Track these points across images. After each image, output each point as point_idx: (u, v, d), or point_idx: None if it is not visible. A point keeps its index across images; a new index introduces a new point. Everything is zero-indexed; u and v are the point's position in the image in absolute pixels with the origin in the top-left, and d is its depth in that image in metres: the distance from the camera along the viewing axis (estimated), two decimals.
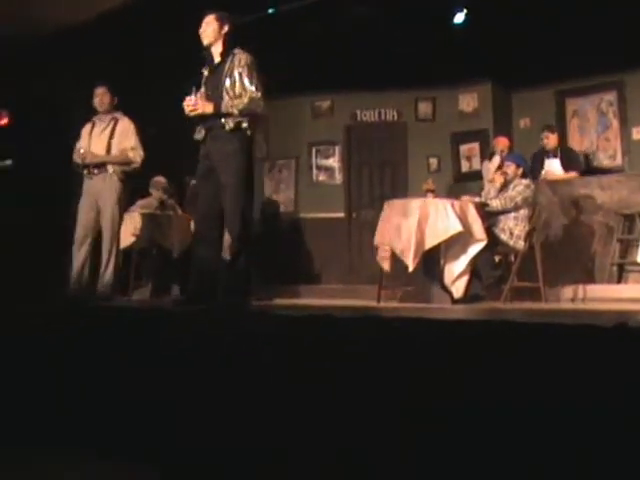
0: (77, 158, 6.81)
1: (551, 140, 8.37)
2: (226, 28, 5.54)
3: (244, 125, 5.32)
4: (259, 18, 8.50)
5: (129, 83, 7.59)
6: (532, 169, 8.03)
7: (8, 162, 9.40)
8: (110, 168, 6.78)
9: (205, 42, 5.57)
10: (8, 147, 9.20)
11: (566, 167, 8.24)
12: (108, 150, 6.80)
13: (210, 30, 5.54)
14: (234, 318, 3.73)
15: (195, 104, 5.34)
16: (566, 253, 7.49)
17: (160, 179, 8.74)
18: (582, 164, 8.62)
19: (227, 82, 5.38)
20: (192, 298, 5.34)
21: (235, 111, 5.28)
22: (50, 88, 8.35)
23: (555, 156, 8.33)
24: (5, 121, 9.94)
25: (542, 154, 8.44)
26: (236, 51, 5.47)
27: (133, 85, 7.90)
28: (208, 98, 5.39)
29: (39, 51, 8.58)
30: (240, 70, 5.37)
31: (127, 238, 7.88)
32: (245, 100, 5.30)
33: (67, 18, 8.26)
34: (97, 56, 8.26)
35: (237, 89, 5.35)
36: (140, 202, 8.54)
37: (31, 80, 8.65)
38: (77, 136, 6.97)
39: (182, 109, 5.42)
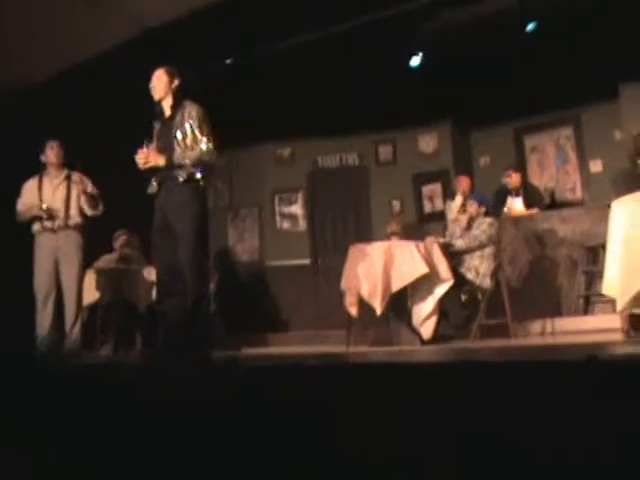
0: (37, 212, 6.65)
1: (514, 179, 8.45)
2: (176, 82, 5.59)
3: (197, 176, 5.33)
4: (220, 67, 8.55)
5: (86, 138, 7.57)
6: (494, 207, 8.10)
7: None
8: (72, 222, 6.72)
9: (156, 97, 5.60)
10: None
11: (528, 205, 8.31)
12: (67, 205, 6.72)
13: (160, 85, 5.59)
14: (199, 370, 3.68)
15: (147, 157, 5.36)
16: (532, 288, 7.53)
17: (123, 233, 8.68)
18: (544, 201, 8.70)
19: (178, 134, 5.41)
20: (161, 352, 5.29)
21: (187, 162, 5.30)
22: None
23: (517, 195, 8.40)
24: None
25: (504, 192, 8.51)
26: (186, 103, 5.51)
27: (91, 139, 7.88)
28: (160, 151, 5.40)
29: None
30: (191, 122, 5.40)
31: (91, 294, 7.82)
32: (197, 151, 5.32)
33: (29, 74, 8.26)
34: (50, 112, 8.24)
35: (188, 141, 5.37)
36: (104, 257, 8.48)
37: None
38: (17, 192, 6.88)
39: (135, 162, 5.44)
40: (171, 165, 5.34)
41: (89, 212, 6.78)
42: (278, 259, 10.35)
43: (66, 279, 6.68)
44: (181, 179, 5.33)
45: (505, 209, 8.35)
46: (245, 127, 9.41)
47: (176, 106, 5.54)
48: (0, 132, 8.12)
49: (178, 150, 5.35)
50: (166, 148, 5.41)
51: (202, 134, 5.38)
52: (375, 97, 8.78)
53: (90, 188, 6.80)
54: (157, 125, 5.66)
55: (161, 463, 3.02)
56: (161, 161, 5.35)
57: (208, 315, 5.46)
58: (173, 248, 5.37)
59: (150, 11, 7.36)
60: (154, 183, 5.49)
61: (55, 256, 6.66)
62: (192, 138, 5.38)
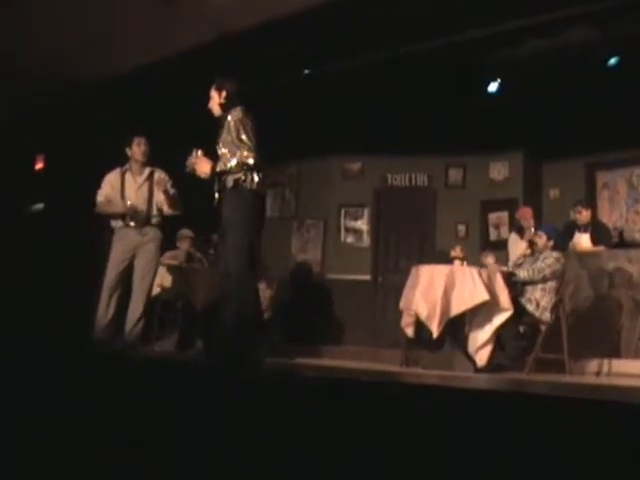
0: (123, 211, 6.69)
1: (584, 216, 8.33)
2: (224, 94, 5.71)
3: (242, 181, 5.40)
4: (293, 80, 8.63)
5: (159, 135, 7.70)
6: (561, 240, 8.03)
7: (40, 205, 9.52)
8: (154, 220, 6.79)
9: (215, 115, 5.76)
10: (42, 191, 9.31)
11: (595, 242, 8.20)
12: (149, 204, 6.77)
13: (213, 104, 5.78)
14: (243, 374, 3.72)
15: (192, 164, 5.49)
16: (592, 326, 7.40)
17: (187, 232, 8.79)
18: (612, 240, 8.56)
19: (221, 144, 5.55)
20: (213, 353, 5.37)
21: (227, 168, 5.40)
22: (85, 135, 8.48)
23: (586, 231, 8.29)
24: (40, 165, 10.10)
25: (573, 227, 8.41)
26: (231, 112, 5.62)
27: (162, 137, 8.03)
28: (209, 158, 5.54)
29: (79, 99, 8.75)
30: (231, 128, 5.50)
31: (153, 289, 7.94)
32: (236, 158, 5.40)
33: (109, 70, 8.45)
34: (134, 107, 8.41)
35: (230, 146, 5.47)
36: (168, 253, 8.58)
37: (68, 126, 8.79)
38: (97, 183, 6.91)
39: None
40: (217, 173, 5.45)
41: (167, 211, 6.80)
42: (339, 272, 10.36)
43: (140, 274, 6.72)
44: (229, 185, 5.43)
45: (571, 244, 8.25)
46: (316, 139, 9.48)
47: (223, 116, 5.67)
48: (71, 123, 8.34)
49: (222, 158, 5.48)
50: (216, 156, 5.56)
51: (240, 140, 5.47)
52: (449, 119, 8.77)
53: (170, 188, 6.79)
54: None
55: (203, 464, 3.06)
56: (206, 168, 5.47)
57: (257, 322, 5.49)
58: (227, 254, 5.48)
59: (228, 16, 7.48)
60: (216, 192, 5.60)
61: (133, 253, 6.71)
62: (232, 144, 5.48)
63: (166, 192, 6.69)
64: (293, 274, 10.54)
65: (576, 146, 9.18)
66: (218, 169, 5.44)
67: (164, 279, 8.15)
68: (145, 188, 6.82)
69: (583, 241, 8.24)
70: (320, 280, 10.48)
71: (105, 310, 6.62)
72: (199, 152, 5.56)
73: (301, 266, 10.72)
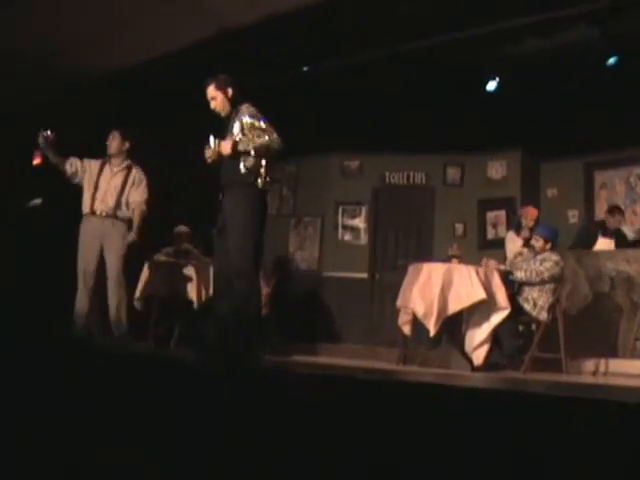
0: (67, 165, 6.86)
1: (617, 220, 8.27)
2: (230, 91, 5.64)
3: (259, 168, 5.36)
4: (293, 77, 8.62)
5: (156, 131, 7.68)
6: (579, 242, 8.02)
7: (38, 201, 9.50)
8: (120, 214, 6.80)
9: (222, 115, 5.67)
10: (40, 186, 9.29)
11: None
12: (119, 197, 6.81)
13: (218, 103, 5.65)
14: (242, 372, 3.71)
15: (214, 151, 5.40)
16: (589, 325, 7.39)
17: (183, 229, 8.76)
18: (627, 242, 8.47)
19: (236, 128, 5.46)
20: (208, 349, 5.34)
21: (250, 147, 5.33)
22: (83, 131, 8.47)
23: (612, 236, 8.19)
24: (38, 161, 10.08)
25: (599, 228, 8.37)
26: (239, 108, 5.56)
27: (160, 133, 8.00)
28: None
29: (75, 96, 8.73)
30: (247, 115, 5.45)
31: (148, 286, 7.91)
32: (264, 138, 5.34)
33: (109, 66, 8.44)
34: (128, 104, 8.40)
35: (250, 129, 5.39)
36: (164, 250, 8.58)
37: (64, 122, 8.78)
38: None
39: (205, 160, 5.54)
40: (236, 154, 5.37)
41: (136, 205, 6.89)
42: (336, 270, 10.35)
43: (110, 266, 6.76)
44: (242, 171, 5.36)
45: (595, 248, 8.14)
46: (315, 136, 9.45)
47: (233, 111, 5.61)
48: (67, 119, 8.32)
49: (243, 138, 5.39)
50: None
51: (258, 127, 5.40)
52: (448, 118, 8.76)
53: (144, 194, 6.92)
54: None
55: (201, 461, 3.05)
56: (227, 149, 5.37)
57: (259, 321, 5.46)
58: (226, 249, 5.40)
59: (228, 12, 7.46)
60: (222, 185, 5.54)
61: (100, 242, 6.75)
62: (253, 127, 5.39)
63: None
64: (290, 272, 10.52)
65: (574, 145, 9.16)
66: (241, 148, 5.35)
67: (158, 276, 8.14)
68: (118, 179, 6.88)
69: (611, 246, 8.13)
70: (317, 278, 10.47)
71: (80, 299, 6.66)
72: (216, 140, 5.48)
73: (298, 264, 10.71)
